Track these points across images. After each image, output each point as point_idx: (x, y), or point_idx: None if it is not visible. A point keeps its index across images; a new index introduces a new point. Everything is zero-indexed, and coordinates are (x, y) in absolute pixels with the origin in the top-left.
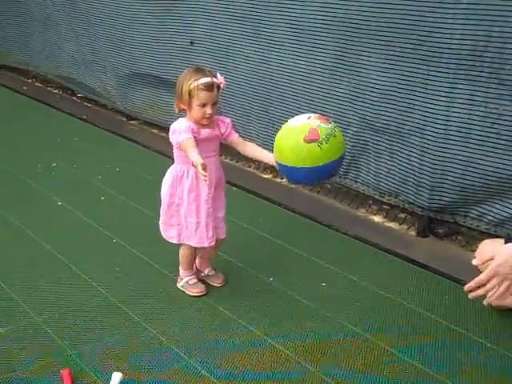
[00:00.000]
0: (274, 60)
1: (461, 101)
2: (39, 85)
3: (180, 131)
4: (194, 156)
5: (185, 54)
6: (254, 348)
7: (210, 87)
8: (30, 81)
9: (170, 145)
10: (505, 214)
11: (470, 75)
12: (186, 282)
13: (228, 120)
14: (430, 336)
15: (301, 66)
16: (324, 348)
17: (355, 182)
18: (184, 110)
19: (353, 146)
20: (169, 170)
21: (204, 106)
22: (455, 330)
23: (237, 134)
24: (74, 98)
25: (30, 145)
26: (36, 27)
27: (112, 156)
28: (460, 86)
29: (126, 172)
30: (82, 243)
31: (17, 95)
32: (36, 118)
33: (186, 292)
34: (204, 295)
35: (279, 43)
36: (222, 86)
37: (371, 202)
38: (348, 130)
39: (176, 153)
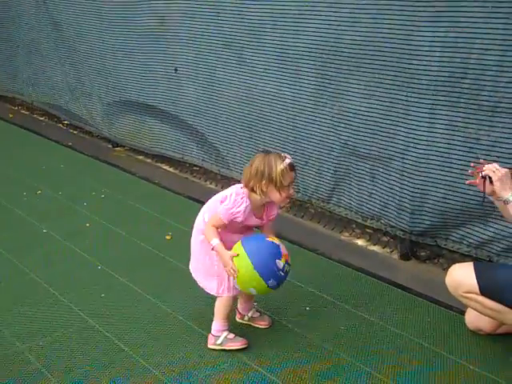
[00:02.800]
0: (257, 86)
1: (441, 126)
2: (25, 112)
3: (228, 210)
4: (214, 246)
5: (169, 80)
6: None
7: (294, 166)
8: (16, 108)
9: (157, 171)
10: (485, 237)
11: (448, 101)
12: (225, 337)
13: (276, 208)
14: (410, 357)
15: (284, 91)
16: (304, 370)
17: (338, 206)
18: (263, 193)
19: (335, 170)
20: (197, 219)
21: (289, 185)
22: (437, 353)
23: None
24: (60, 125)
25: (15, 172)
26: (22, 55)
27: (97, 183)
28: (439, 112)
29: (111, 198)
30: (66, 270)
31: (2, 123)
32: (22, 145)
33: (226, 348)
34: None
35: (262, 70)
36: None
37: (354, 225)
38: (330, 155)
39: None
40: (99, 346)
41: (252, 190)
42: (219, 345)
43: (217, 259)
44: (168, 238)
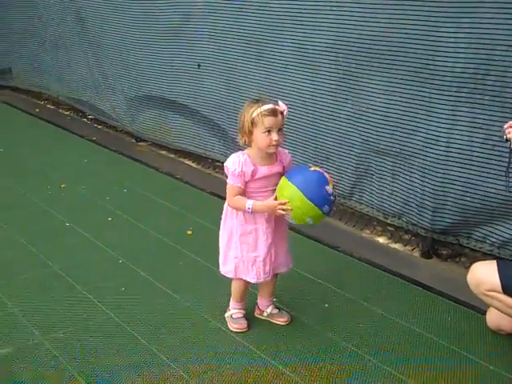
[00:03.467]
0: (278, 82)
1: (462, 123)
2: (51, 107)
3: (233, 174)
4: (250, 208)
5: (191, 76)
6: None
7: (274, 112)
8: (42, 103)
9: (180, 166)
10: (507, 236)
11: (471, 98)
12: (231, 316)
13: (288, 154)
14: (433, 358)
15: (305, 87)
16: (322, 367)
17: (359, 203)
18: (248, 142)
19: (356, 167)
20: (225, 204)
21: (269, 132)
22: (457, 352)
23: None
24: (85, 119)
25: (40, 166)
26: (48, 50)
27: (120, 177)
28: (462, 109)
29: (133, 193)
30: (88, 263)
31: (29, 117)
32: (47, 139)
33: (228, 325)
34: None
35: (283, 65)
36: (285, 112)
37: (375, 223)
38: (351, 152)
39: None
40: (119, 339)
41: (245, 142)
42: (226, 318)
43: (235, 241)
44: (189, 232)
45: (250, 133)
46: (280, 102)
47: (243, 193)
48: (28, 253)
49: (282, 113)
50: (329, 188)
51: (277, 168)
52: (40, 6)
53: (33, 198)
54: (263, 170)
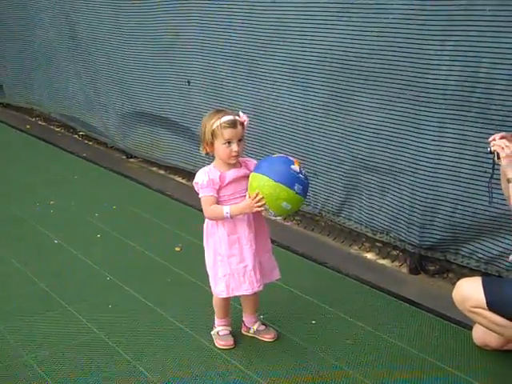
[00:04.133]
0: (267, 98)
1: (451, 140)
2: (42, 123)
3: (202, 186)
4: (228, 212)
5: (182, 93)
6: None
7: (233, 124)
8: (33, 119)
9: (170, 183)
10: (495, 252)
11: (458, 115)
12: (217, 333)
13: (253, 161)
14: (418, 373)
15: (294, 104)
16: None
17: (348, 219)
18: (210, 152)
19: (345, 184)
20: (204, 224)
21: (229, 143)
22: (443, 368)
23: (255, 162)
24: (76, 136)
25: (30, 182)
26: (40, 66)
27: (110, 194)
28: (449, 125)
29: (123, 210)
30: (76, 281)
31: (20, 133)
32: (37, 155)
33: (214, 343)
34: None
35: (272, 82)
36: (245, 123)
37: (364, 239)
38: (341, 168)
39: None
40: (106, 358)
41: (206, 153)
42: (212, 335)
43: (220, 258)
44: (178, 249)
45: (212, 144)
46: (241, 113)
47: (217, 202)
48: (15, 270)
49: (242, 124)
50: (294, 167)
51: (244, 170)
52: (33, 23)
53: (21, 214)
54: (231, 173)
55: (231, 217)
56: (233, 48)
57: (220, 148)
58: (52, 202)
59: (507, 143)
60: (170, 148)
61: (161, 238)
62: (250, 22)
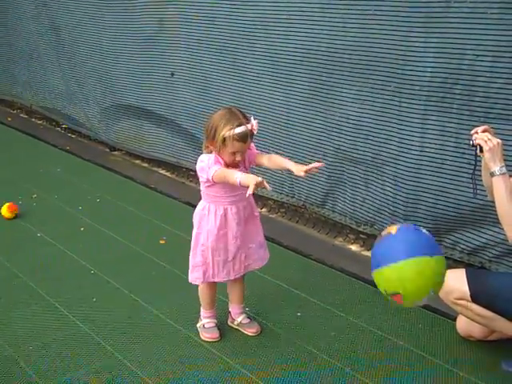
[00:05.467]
0: (250, 91)
1: (433, 132)
2: (24, 116)
3: (209, 166)
4: (239, 177)
5: (166, 85)
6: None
7: (244, 138)
8: (14, 112)
9: (153, 176)
10: (477, 243)
11: (441, 107)
12: (203, 325)
13: (253, 149)
14: (404, 365)
15: (277, 97)
16: (294, 376)
17: (332, 211)
18: (214, 151)
19: (329, 176)
20: (196, 210)
21: (235, 153)
22: (428, 359)
23: (255, 151)
24: (58, 129)
25: (11, 175)
26: (21, 58)
27: (93, 187)
28: (432, 118)
29: (106, 202)
30: (59, 274)
31: (1, 126)
32: (19, 149)
33: (200, 335)
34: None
35: (255, 75)
36: (255, 132)
37: (348, 231)
38: (324, 161)
39: (203, 190)
40: (90, 351)
41: (209, 151)
42: (198, 328)
43: (202, 248)
44: (162, 242)
45: (221, 150)
46: (253, 120)
47: (215, 194)
48: None
49: (252, 134)
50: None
51: (240, 167)
52: (13, 15)
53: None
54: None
55: (241, 185)
56: (217, 40)
57: (225, 154)
58: (35, 196)
59: (490, 136)
60: (154, 141)
61: (145, 231)
62: (234, 13)
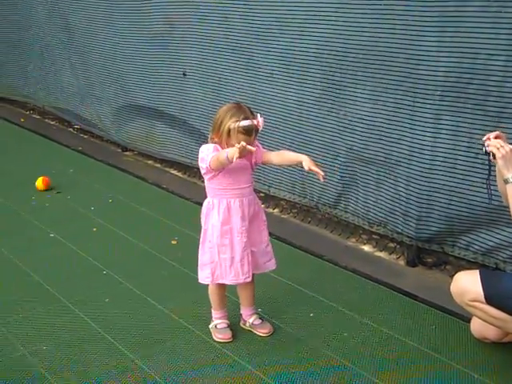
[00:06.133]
0: (263, 91)
1: (446, 132)
2: (37, 117)
3: (208, 154)
4: (227, 151)
5: (178, 85)
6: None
7: (249, 132)
8: (27, 113)
9: (165, 176)
10: (491, 244)
11: (454, 107)
12: (215, 326)
13: (259, 147)
14: (417, 366)
15: (290, 96)
16: (307, 377)
17: (345, 212)
18: (219, 142)
19: (342, 176)
20: (202, 208)
21: None
22: (442, 361)
23: (261, 149)
24: (71, 129)
25: (25, 176)
26: (34, 59)
27: (106, 187)
28: (445, 118)
29: (118, 203)
30: (71, 274)
31: (14, 127)
32: (32, 149)
33: (212, 336)
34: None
35: (268, 74)
36: (260, 128)
37: (361, 231)
38: (336, 161)
39: (206, 185)
40: (103, 351)
41: (214, 142)
42: (210, 328)
43: (209, 245)
44: (174, 242)
45: (225, 141)
46: (259, 117)
47: (218, 187)
48: (10, 263)
49: (257, 130)
50: None
51: (245, 162)
52: (26, 16)
53: (16, 208)
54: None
55: (229, 158)
56: (229, 40)
57: (229, 147)
58: (48, 196)
59: (502, 143)
60: (166, 141)
61: (157, 231)
62: (247, 13)
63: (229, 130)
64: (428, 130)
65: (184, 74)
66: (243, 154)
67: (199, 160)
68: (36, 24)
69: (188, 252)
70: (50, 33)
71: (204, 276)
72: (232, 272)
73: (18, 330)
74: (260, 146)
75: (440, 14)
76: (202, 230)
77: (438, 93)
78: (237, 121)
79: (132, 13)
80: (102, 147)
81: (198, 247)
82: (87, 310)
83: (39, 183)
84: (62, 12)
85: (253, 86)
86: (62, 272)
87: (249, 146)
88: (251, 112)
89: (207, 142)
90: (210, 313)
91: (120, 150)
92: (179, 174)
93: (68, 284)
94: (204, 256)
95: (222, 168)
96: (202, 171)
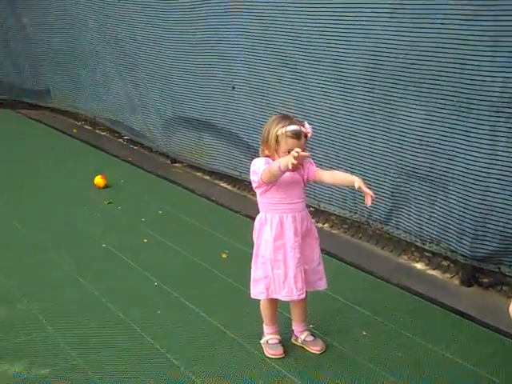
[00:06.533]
0: (311, 104)
1: (502, 148)
2: (88, 127)
3: (259, 167)
4: (279, 161)
5: (226, 97)
6: None
7: (298, 135)
8: (79, 123)
9: (215, 188)
10: None
11: (510, 123)
12: (266, 342)
13: (312, 164)
14: None
15: (339, 111)
16: None
17: (396, 228)
18: (270, 156)
19: (392, 191)
20: (254, 223)
21: (289, 152)
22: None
23: (315, 167)
24: (121, 140)
25: (77, 186)
26: (85, 71)
27: (155, 198)
28: (500, 134)
29: (168, 215)
30: (123, 285)
31: (66, 137)
32: (84, 159)
33: (264, 351)
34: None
35: (316, 87)
36: (309, 135)
37: (413, 249)
38: (387, 176)
39: (259, 200)
40: (155, 364)
41: (266, 156)
42: (262, 344)
43: (262, 260)
44: (224, 256)
45: (274, 149)
46: (306, 124)
47: (270, 201)
48: (64, 273)
49: (305, 135)
50: None
51: (297, 176)
52: (78, 28)
53: (68, 218)
54: (285, 175)
55: (282, 168)
56: (277, 53)
57: (281, 155)
58: (99, 206)
59: None
60: (215, 153)
61: (207, 244)
62: (294, 26)
63: (277, 137)
64: (483, 146)
65: (233, 88)
66: (298, 160)
67: (251, 173)
68: (88, 36)
69: (238, 266)
70: (102, 45)
71: (258, 291)
72: (286, 288)
73: (73, 339)
74: (313, 163)
75: (494, 27)
76: (255, 246)
77: (494, 109)
78: (283, 126)
79: (182, 25)
80: (151, 158)
81: (250, 262)
82: (139, 322)
83: (98, 180)
84: (112, 25)
85: (300, 99)
86: (114, 283)
87: (302, 153)
88: (298, 120)
89: (256, 155)
90: (262, 328)
91: (169, 162)
92: (229, 187)
93: (119, 295)
94: (257, 272)
95: (274, 180)
96: (254, 185)
